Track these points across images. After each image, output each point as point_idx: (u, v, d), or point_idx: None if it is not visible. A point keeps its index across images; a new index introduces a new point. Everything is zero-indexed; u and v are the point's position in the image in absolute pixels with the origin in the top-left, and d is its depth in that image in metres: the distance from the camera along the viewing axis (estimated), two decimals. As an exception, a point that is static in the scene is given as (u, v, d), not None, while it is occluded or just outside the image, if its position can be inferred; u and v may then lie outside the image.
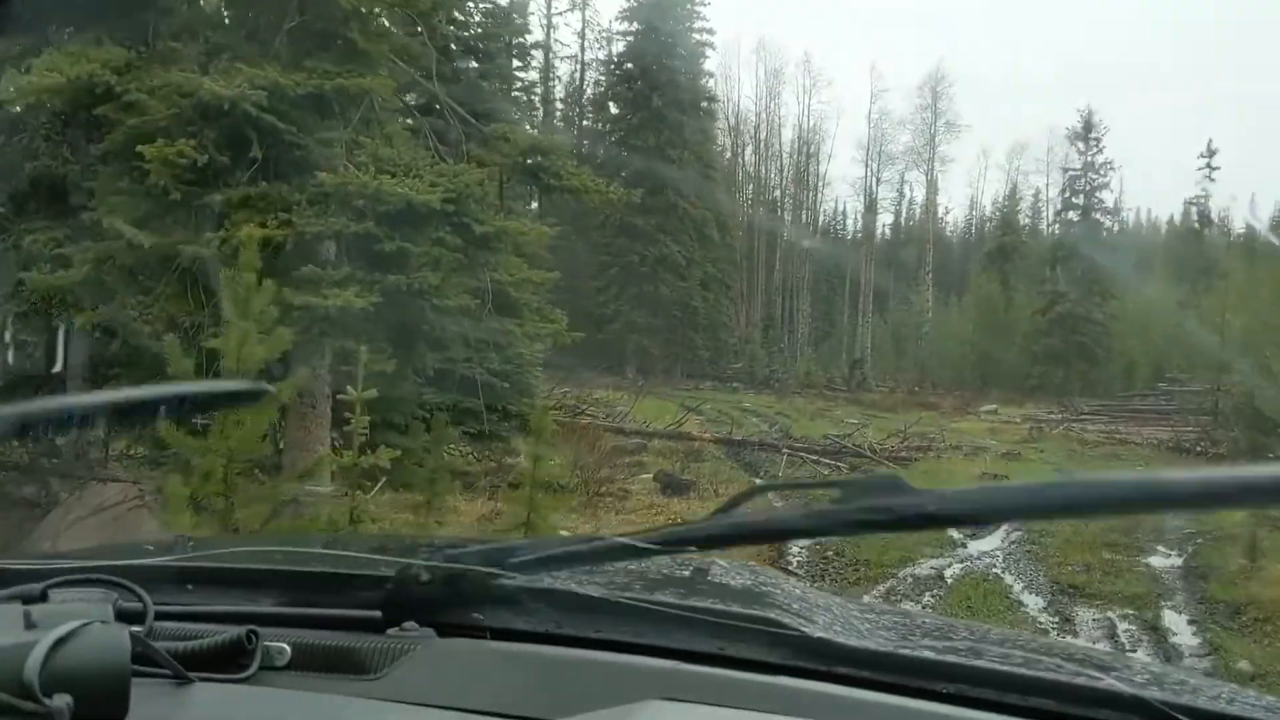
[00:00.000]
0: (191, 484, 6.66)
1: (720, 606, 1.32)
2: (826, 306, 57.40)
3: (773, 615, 1.25)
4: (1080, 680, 1.15)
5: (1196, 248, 46.40)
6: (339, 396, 7.74)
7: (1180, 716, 1.03)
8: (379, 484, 10.38)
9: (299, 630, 1.23)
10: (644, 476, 17.62)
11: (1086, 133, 42.47)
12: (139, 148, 8.95)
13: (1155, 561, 12.73)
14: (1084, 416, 31.84)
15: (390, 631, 1.23)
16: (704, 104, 44.14)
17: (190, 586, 1.33)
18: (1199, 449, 23.07)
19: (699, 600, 1.35)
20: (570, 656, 1.21)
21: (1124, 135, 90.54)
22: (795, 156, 57.60)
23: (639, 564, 1.70)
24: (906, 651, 1.24)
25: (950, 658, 1.21)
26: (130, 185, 9.68)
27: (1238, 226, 56.95)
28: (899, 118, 58.30)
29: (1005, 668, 1.19)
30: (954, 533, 14.82)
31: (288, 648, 1.18)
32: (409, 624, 1.24)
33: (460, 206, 8.83)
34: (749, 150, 57.21)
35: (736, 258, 50.08)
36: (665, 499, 16.08)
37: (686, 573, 1.72)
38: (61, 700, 0.85)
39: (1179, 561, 12.77)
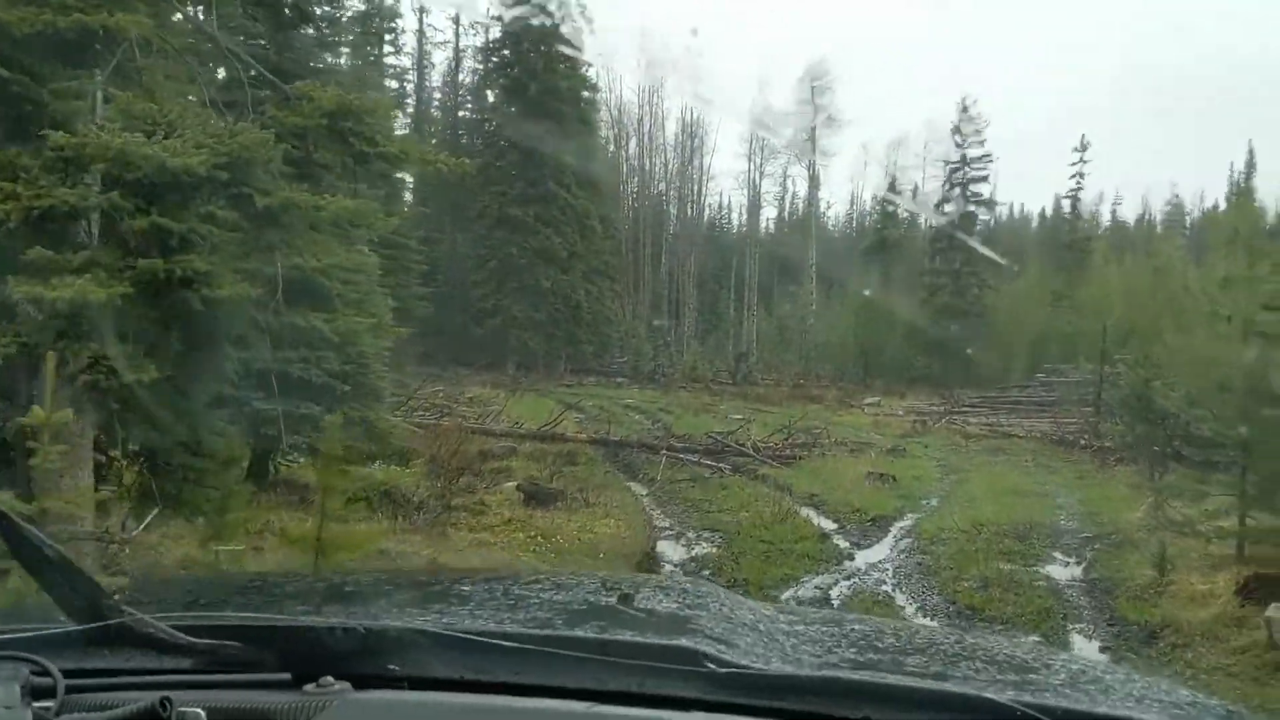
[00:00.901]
0: None
1: (639, 640, 1.33)
2: (713, 300, 56.30)
3: (691, 645, 1.25)
4: (987, 693, 1.16)
5: (1069, 240, 46.59)
6: (27, 421, 5.78)
7: None
8: (149, 517, 8.43)
9: (214, 692, 1.19)
10: (508, 485, 15.84)
11: (964, 126, 42.07)
12: None
13: (1055, 572, 11.52)
14: (965, 408, 31.14)
15: (307, 688, 1.19)
16: (585, 94, 42.34)
17: (101, 653, 1.28)
18: (1082, 442, 22.33)
19: (620, 633, 1.38)
20: (487, 704, 1.19)
21: (1000, 131, 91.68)
22: (679, 150, 56.31)
23: (564, 595, 1.79)
24: (821, 674, 1.28)
25: (863, 675, 1.28)
26: None
27: (1105, 219, 57.93)
28: (781, 111, 57.56)
29: (912, 684, 1.23)
30: (841, 542, 13.49)
31: (203, 713, 1.13)
32: (325, 679, 1.20)
33: (237, 174, 6.94)
34: (633, 143, 55.68)
35: (621, 250, 48.55)
36: (528, 511, 14.34)
37: (611, 600, 1.68)
38: None
39: (1080, 572, 11.59)
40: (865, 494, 16.11)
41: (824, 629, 1.64)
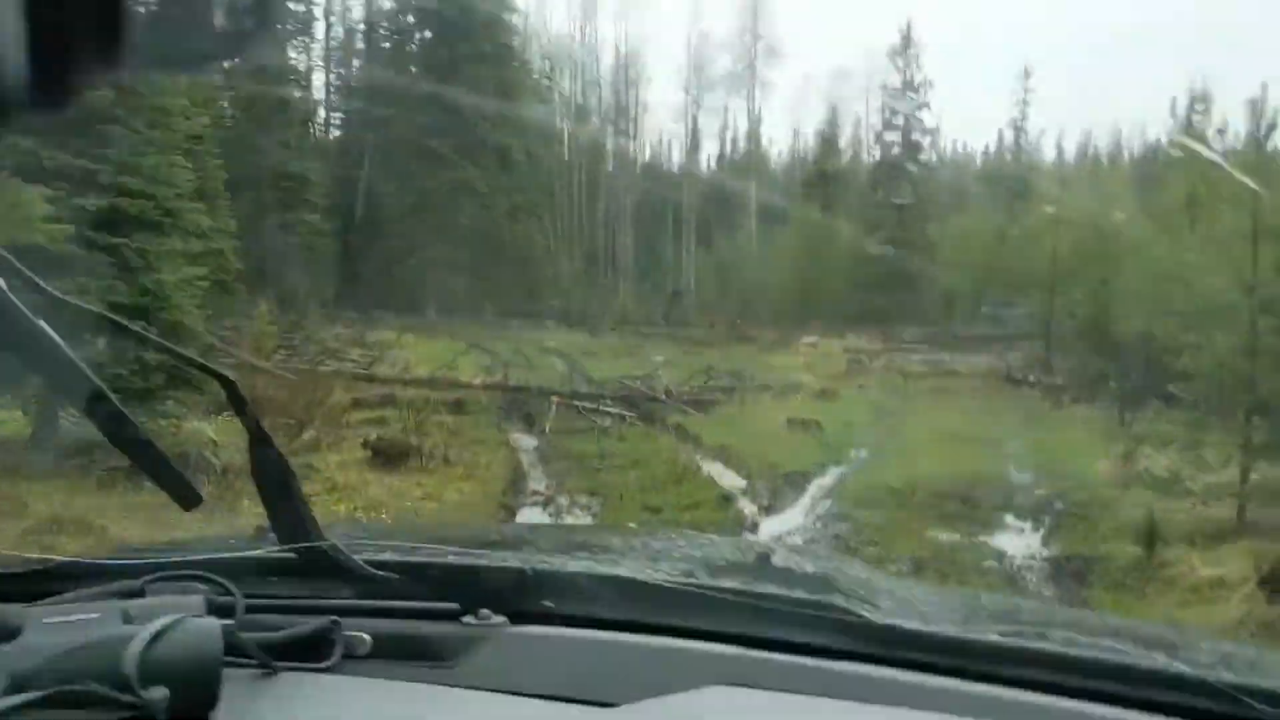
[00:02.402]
0: None
1: (785, 593, 1.31)
2: (650, 239, 53.10)
3: (837, 601, 1.24)
4: (1144, 663, 1.11)
5: (1014, 172, 44.02)
6: None
7: (1243, 698, 1.00)
8: None
9: (379, 620, 1.21)
10: (357, 442, 12.91)
11: (905, 49, 39.03)
12: None
13: (1009, 545, 8.83)
14: (906, 346, 28.63)
15: (465, 620, 1.21)
16: (505, 16, 38.73)
17: (275, 579, 1.31)
18: (1031, 379, 19.76)
19: (763, 586, 1.36)
20: (637, 642, 1.19)
21: (942, 66, 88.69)
22: (614, 83, 52.77)
23: (702, 551, 1.76)
24: (971, 636, 1.21)
25: (1014, 641, 1.20)
26: None
27: (1050, 153, 55.48)
28: (719, 41, 54.25)
29: (1067, 651, 1.16)
30: (746, 506, 10.76)
31: (368, 637, 1.17)
32: (484, 612, 1.22)
33: None
34: (566, 77, 52.09)
35: (552, 187, 45.22)
36: (369, 474, 11.44)
37: (751, 558, 1.70)
38: (158, 692, 0.86)
39: (1039, 544, 8.95)
40: (784, 445, 13.38)
41: (958, 601, 1.59)
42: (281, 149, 31.61)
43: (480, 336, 31.44)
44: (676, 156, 57.10)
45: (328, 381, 17.29)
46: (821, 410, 16.25)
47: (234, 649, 1.03)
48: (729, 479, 11.81)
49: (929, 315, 35.30)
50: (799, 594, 1.28)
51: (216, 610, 1.05)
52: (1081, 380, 16.09)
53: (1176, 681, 1.04)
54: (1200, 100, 16.66)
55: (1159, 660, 1.11)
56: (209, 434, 12.55)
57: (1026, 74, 43.19)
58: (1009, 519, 9.71)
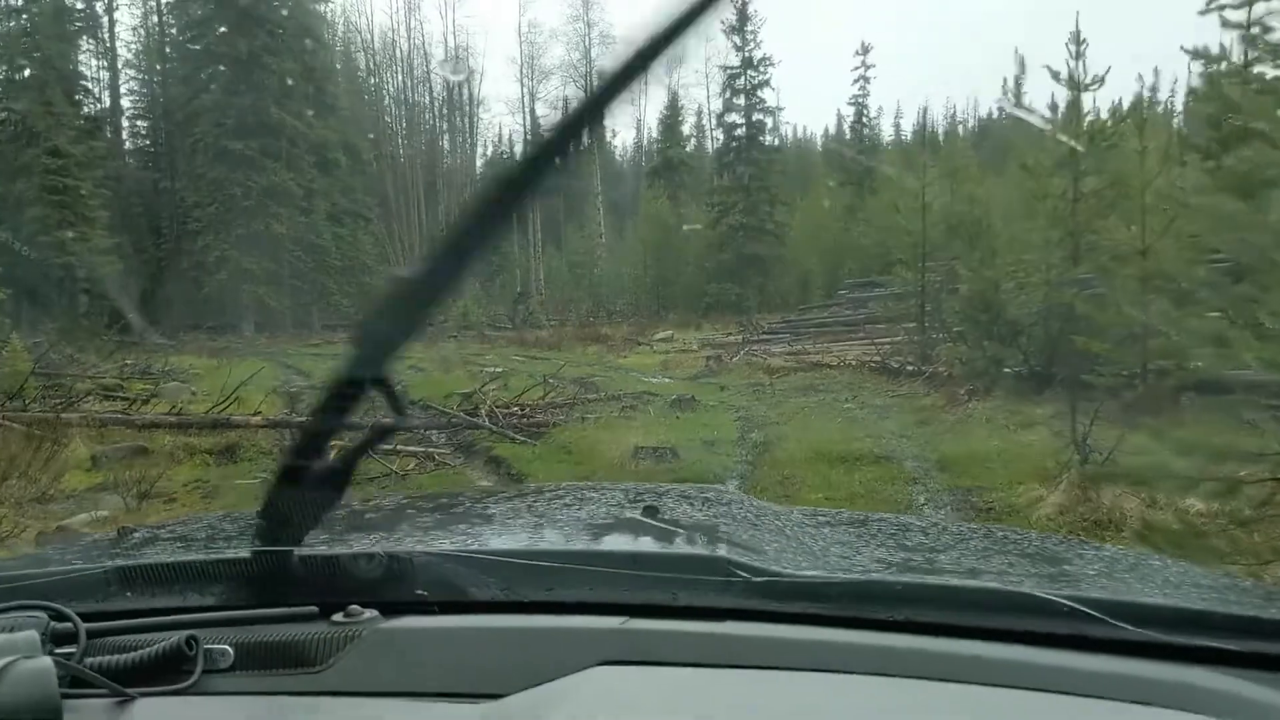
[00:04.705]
0: None
1: (669, 551, 1.25)
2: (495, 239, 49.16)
3: (721, 554, 1.18)
4: (1024, 587, 1.08)
5: (859, 149, 41.90)
6: None
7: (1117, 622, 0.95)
8: None
9: (241, 628, 1.09)
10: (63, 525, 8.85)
11: (743, 26, 36.20)
12: None
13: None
14: (765, 336, 25.70)
15: (335, 618, 1.08)
16: (312, 5, 34.20)
17: (128, 594, 1.17)
18: (909, 367, 16.90)
19: (648, 545, 1.31)
20: (518, 625, 1.08)
21: (779, 37, 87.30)
22: (446, 77, 48.60)
23: (588, 511, 1.67)
24: (854, 577, 1.16)
25: (897, 576, 1.18)
26: None
27: (889, 132, 53.94)
28: (551, 30, 50.62)
29: (950, 582, 1.13)
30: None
31: (230, 649, 1.04)
32: (353, 608, 1.08)
33: None
34: (392, 72, 47.64)
35: (383, 189, 40.87)
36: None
37: (636, 513, 1.54)
38: None
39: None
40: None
41: (850, 529, 1.56)
42: (50, 159, 26.59)
43: (300, 356, 27.17)
44: (517, 151, 53.34)
45: (65, 432, 13.02)
46: (678, 427, 12.92)
47: (80, 681, 0.93)
48: (556, 548, 8.36)
49: (785, 301, 32.62)
50: (681, 550, 1.21)
51: (57, 639, 0.96)
52: (973, 369, 13.22)
53: (1044, 607, 0.96)
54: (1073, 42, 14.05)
55: (1041, 590, 1.01)
56: None
57: (865, 49, 41.15)
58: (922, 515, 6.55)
